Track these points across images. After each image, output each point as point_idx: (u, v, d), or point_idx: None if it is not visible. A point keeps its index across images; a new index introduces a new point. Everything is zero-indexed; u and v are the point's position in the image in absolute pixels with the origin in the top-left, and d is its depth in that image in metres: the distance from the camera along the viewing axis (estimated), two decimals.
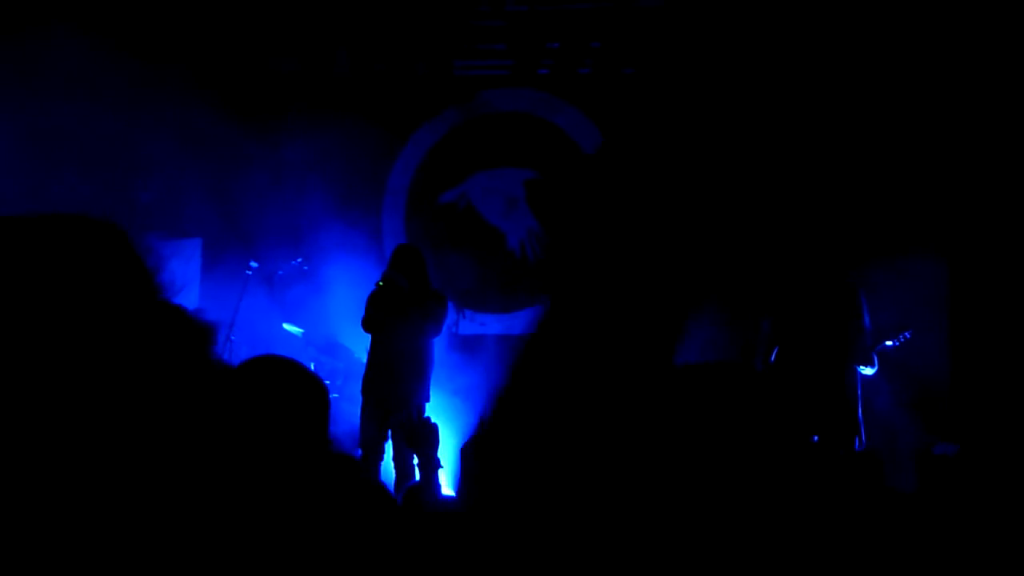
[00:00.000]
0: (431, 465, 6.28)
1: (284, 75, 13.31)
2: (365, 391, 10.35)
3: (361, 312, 10.47)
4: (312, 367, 11.71)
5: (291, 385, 3.68)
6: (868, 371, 9.83)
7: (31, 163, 12.24)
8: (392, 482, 9.88)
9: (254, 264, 11.84)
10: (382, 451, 10.21)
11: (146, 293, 1.27)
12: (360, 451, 10.13)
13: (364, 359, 10.65)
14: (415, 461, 6.21)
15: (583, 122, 13.11)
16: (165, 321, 1.26)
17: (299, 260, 12.35)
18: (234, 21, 13.19)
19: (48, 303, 1.20)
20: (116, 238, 1.28)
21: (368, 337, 10.51)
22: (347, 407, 11.07)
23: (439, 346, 10.80)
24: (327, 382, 11.31)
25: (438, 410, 10.54)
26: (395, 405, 9.96)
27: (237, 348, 11.41)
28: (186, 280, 11.71)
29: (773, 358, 9.86)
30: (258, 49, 13.27)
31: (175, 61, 12.59)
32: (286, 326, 12.12)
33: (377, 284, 10.41)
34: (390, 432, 10.13)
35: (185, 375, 1.25)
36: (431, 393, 10.35)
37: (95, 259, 1.26)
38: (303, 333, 12.13)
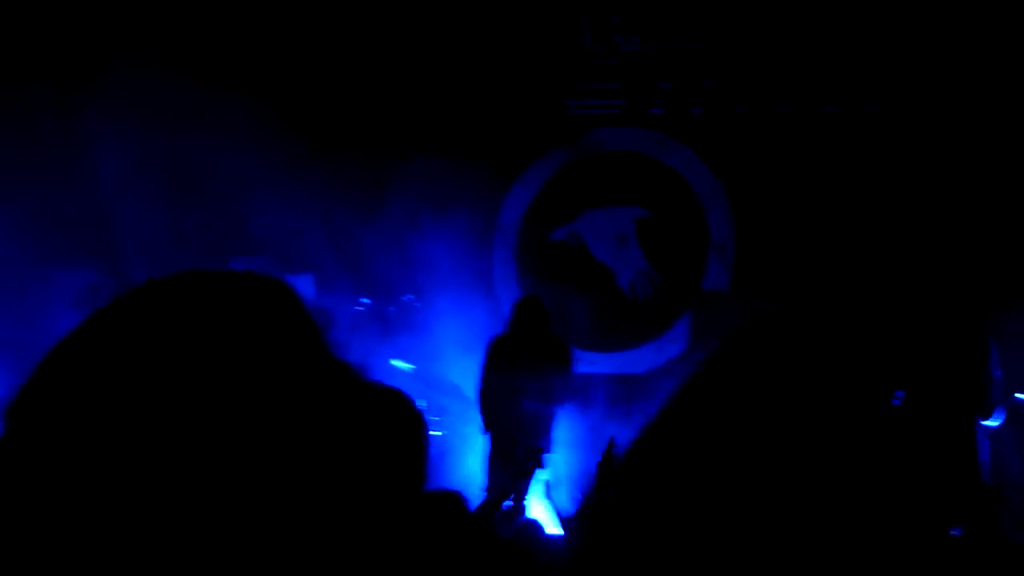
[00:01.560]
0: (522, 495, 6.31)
1: (397, 113, 13.42)
2: (493, 440, 10.34)
3: (467, 351, 10.50)
4: (423, 404, 11.81)
5: (391, 416, 3.67)
6: (992, 423, 9.47)
7: (150, 198, 12.47)
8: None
9: (365, 300, 11.92)
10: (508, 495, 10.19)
11: (316, 349, 1.32)
12: (486, 494, 10.11)
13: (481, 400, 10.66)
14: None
15: (695, 162, 13.06)
16: (335, 375, 1.31)
17: (410, 297, 12.43)
18: (348, 62, 13.35)
19: (230, 358, 1.25)
20: (287, 296, 1.33)
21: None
22: (456, 443, 11.11)
23: None
24: (436, 418, 11.39)
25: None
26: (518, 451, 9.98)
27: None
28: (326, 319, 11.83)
29: (897, 402, 9.66)
30: (372, 88, 13.40)
31: (290, 99, 12.78)
32: (395, 363, 12.19)
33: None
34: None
35: (353, 424, 1.30)
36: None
37: (270, 316, 1.31)
38: (413, 370, 12.19)
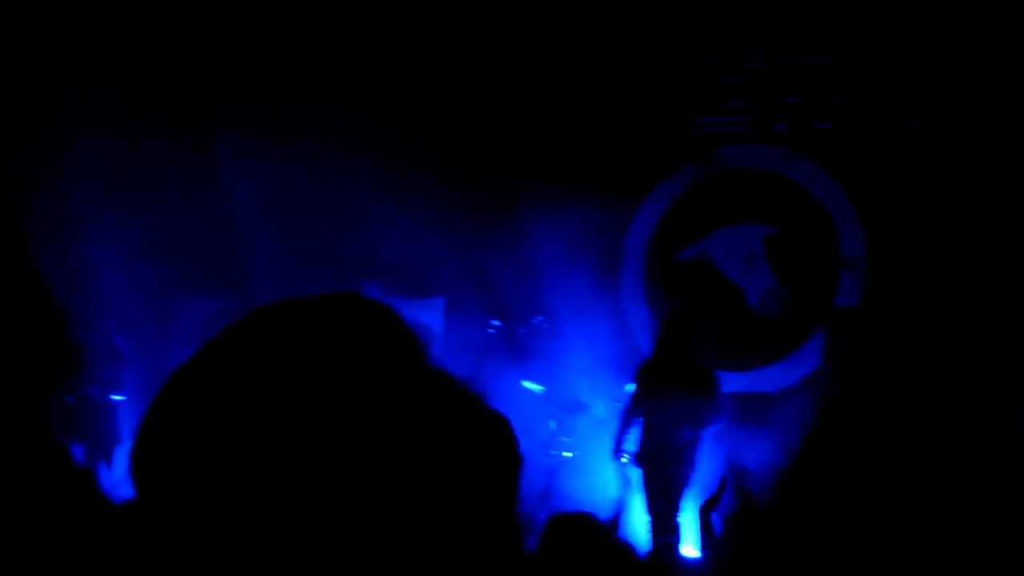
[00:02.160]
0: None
1: (525, 136, 13.44)
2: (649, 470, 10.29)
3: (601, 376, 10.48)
4: (552, 425, 11.82)
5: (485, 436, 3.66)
6: None
7: (278, 224, 12.68)
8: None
9: (495, 323, 11.97)
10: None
11: (419, 366, 1.35)
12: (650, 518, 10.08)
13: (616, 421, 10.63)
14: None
15: (822, 177, 12.93)
16: (439, 388, 1.34)
17: (539, 318, 12.45)
18: (479, 86, 13.44)
19: (338, 377, 1.28)
20: (389, 316, 1.37)
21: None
22: (586, 465, 11.09)
23: None
24: (567, 439, 11.38)
25: None
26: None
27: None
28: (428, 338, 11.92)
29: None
30: (502, 112, 13.45)
31: (419, 124, 12.91)
32: (526, 384, 12.21)
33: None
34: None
35: (444, 443, 1.32)
36: None
37: (374, 336, 1.34)
38: (543, 391, 12.20)
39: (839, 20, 12.76)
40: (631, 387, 10.51)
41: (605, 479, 10.86)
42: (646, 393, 10.26)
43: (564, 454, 11.71)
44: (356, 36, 13.19)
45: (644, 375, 10.42)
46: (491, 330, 11.94)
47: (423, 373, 1.34)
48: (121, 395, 12.52)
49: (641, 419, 10.35)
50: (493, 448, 1.35)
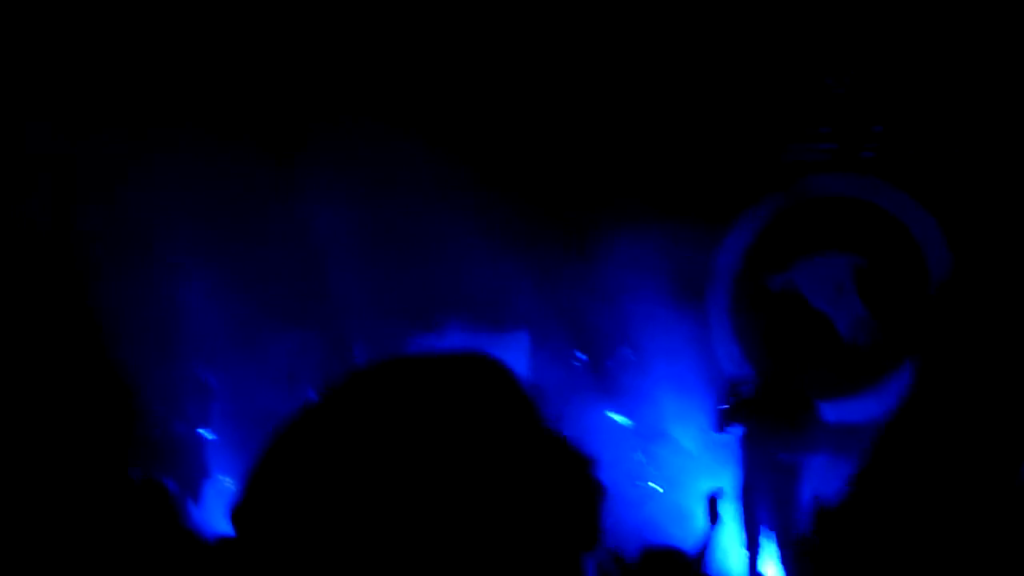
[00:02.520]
0: None
1: (608, 165, 13.39)
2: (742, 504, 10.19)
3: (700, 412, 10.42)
4: (640, 457, 11.76)
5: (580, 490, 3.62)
6: None
7: (363, 256, 12.75)
8: None
9: (581, 356, 11.95)
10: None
11: (533, 424, 1.36)
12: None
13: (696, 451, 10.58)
14: None
15: (911, 205, 12.79)
16: (551, 448, 1.34)
17: (626, 350, 12.40)
18: (557, 117, 13.44)
19: (459, 432, 1.29)
20: (505, 375, 1.38)
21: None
22: (675, 497, 11.02)
23: None
24: (655, 471, 11.32)
25: None
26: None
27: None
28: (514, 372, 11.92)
29: None
30: (582, 141, 13.43)
31: (500, 157, 12.95)
32: (612, 416, 12.16)
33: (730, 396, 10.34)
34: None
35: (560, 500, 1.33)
36: None
37: (492, 394, 1.35)
38: (630, 423, 12.14)
39: (922, 46, 12.63)
40: (723, 418, 10.43)
41: (694, 511, 10.77)
42: (743, 424, 10.17)
43: (652, 486, 11.63)
44: (439, 74, 13.25)
45: (741, 406, 10.31)
46: (577, 363, 11.90)
47: (535, 432, 1.34)
48: (209, 429, 12.64)
49: (739, 450, 10.24)
50: (576, 493, 1.34)
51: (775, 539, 9.94)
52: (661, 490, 11.73)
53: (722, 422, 10.35)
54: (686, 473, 11.17)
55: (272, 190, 12.63)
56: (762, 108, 13.23)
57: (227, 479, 11.77)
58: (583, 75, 13.30)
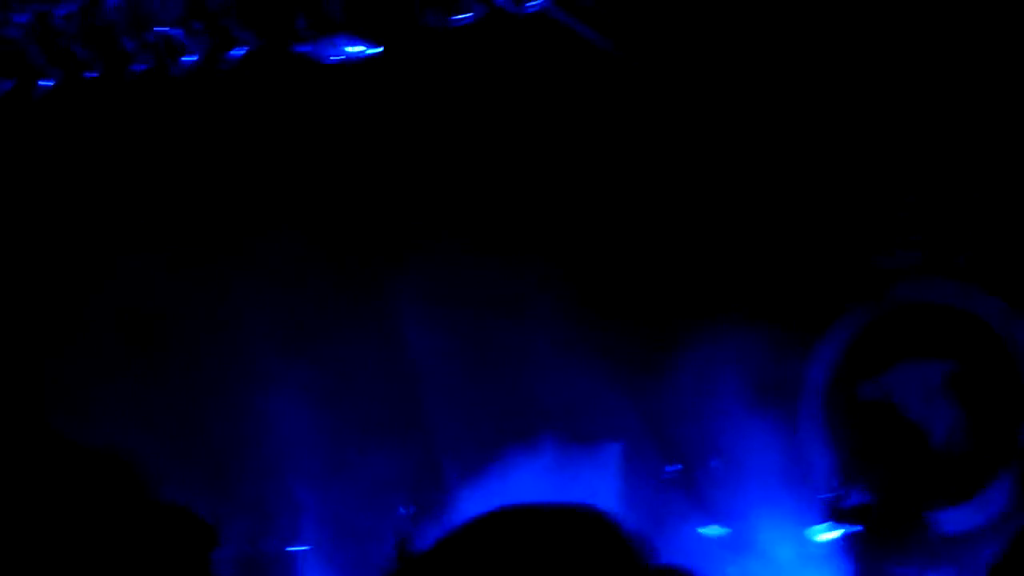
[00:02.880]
0: None
1: (692, 273, 13.33)
2: None
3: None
4: (734, 573, 11.57)
5: None
6: None
7: (454, 371, 12.80)
8: None
9: (672, 468, 11.84)
10: None
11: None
12: None
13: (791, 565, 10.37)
14: None
15: (1006, 311, 12.64)
16: None
17: (716, 461, 12.27)
18: (635, 229, 13.46)
19: None
20: (612, 529, 1.40)
21: None
22: None
23: None
24: None
25: None
26: None
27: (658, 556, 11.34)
28: (604, 487, 11.86)
29: None
30: (661, 251, 13.40)
31: (589, 274, 12.99)
32: (706, 530, 12.02)
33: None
34: None
35: None
36: None
37: (601, 547, 1.37)
38: (724, 536, 11.98)
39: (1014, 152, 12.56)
40: (818, 531, 10.21)
41: None
42: (852, 535, 9.90)
43: None
44: (522, 191, 13.35)
45: (849, 516, 10.06)
46: (668, 475, 11.79)
47: None
48: (301, 545, 12.64)
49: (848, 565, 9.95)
50: None
51: None
52: None
53: (830, 533, 10.07)
54: None
55: (364, 303, 12.74)
56: (852, 214, 13.17)
57: None
58: (671, 183, 13.33)
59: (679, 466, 12.10)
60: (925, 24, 12.58)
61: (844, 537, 10.04)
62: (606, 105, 13.22)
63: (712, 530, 12.00)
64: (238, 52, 12.46)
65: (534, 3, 12.06)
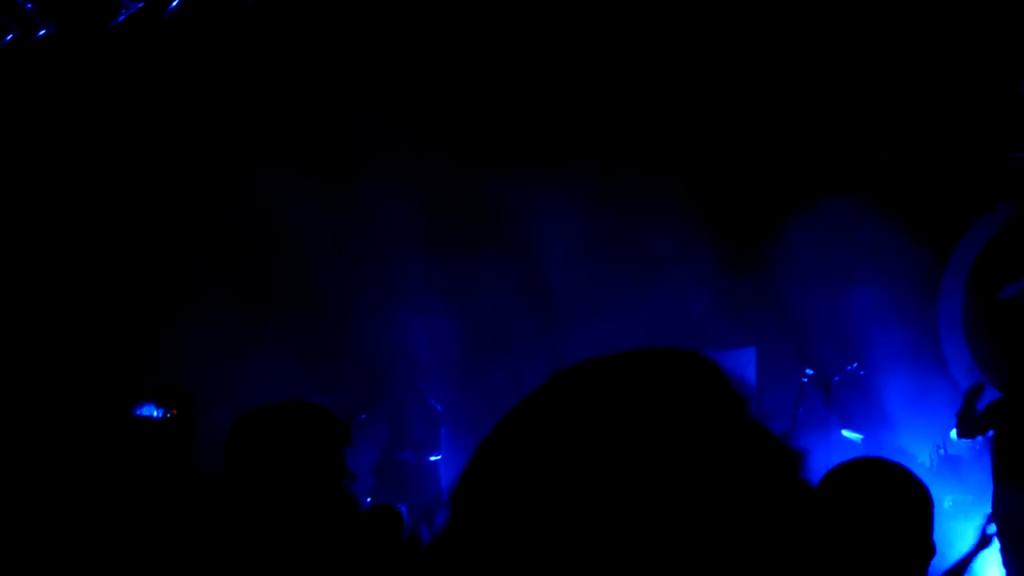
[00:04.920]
0: None
1: (824, 173, 13.17)
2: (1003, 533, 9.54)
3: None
4: None
5: (889, 492, 3.55)
6: None
7: (586, 277, 12.82)
8: None
9: (809, 371, 11.77)
10: None
11: (741, 418, 1.34)
12: None
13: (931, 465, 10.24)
14: None
15: None
16: (758, 442, 1.33)
17: (854, 365, 12.17)
18: (763, 140, 13.31)
19: (665, 431, 1.28)
20: (714, 370, 1.37)
21: None
22: None
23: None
24: None
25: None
26: None
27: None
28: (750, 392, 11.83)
29: None
30: (821, 147, 13.25)
31: (708, 177, 12.90)
32: (845, 433, 11.94)
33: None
34: None
35: (772, 497, 1.31)
36: None
37: (700, 390, 1.35)
38: (862, 439, 11.90)
39: None
40: (971, 428, 9.92)
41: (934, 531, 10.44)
42: (998, 442, 9.50)
43: None
44: (664, 103, 13.26)
45: (995, 420, 9.66)
46: (805, 379, 11.70)
47: (746, 428, 1.32)
48: (438, 455, 12.83)
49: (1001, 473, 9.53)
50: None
51: None
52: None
53: (970, 432, 9.76)
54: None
55: (496, 213, 12.79)
56: (990, 115, 12.87)
57: None
58: (794, 87, 13.14)
59: (815, 370, 11.99)
60: None
61: (980, 440, 9.79)
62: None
63: (851, 433, 11.92)
64: None
65: None
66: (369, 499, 11.95)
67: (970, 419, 9.71)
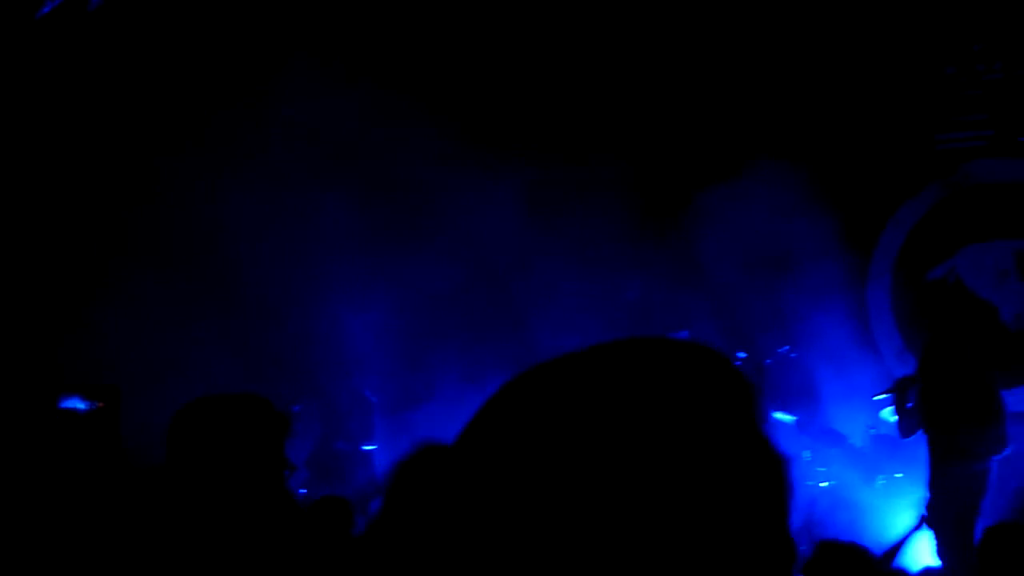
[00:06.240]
0: None
1: (765, 158, 13.21)
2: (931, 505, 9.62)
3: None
4: (807, 456, 11.59)
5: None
6: None
7: (530, 269, 12.82)
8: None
9: (741, 354, 11.85)
10: None
11: (750, 413, 1.35)
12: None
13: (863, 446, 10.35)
14: None
15: None
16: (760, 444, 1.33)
17: (786, 348, 12.27)
18: (699, 116, 13.37)
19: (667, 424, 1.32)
20: (722, 360, 1.38)
21: None
22: (845, 495, 10.84)
23: None
24: (822, 469, 11.10)
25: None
26: None
27: None
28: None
29: None
30: (732, 142, 13.32)
31: (643, 166, 12.97)
32: (777, 415, 12.02)
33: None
34: None
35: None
36: None
37: (710, 379, 1.33)
38: (795, 421, 12.00)
39: None
40: (889, 413, 10.07)
41: (867, 510, 10.58)
42: (921, 420, 9.59)
43: (821, 484, 11.46)
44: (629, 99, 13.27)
45: (914, 398, 9.74)
46: (737, 362, 11.76)
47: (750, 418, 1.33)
48: (372, 444, 12.79)
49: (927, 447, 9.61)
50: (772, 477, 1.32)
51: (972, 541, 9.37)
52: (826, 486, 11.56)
53: (910, 430, 9.77)
54: (853, 469, 10.97)
55: (430, 202, 12.75)
56: (917, 97, 12.99)
57: None
58: (742, 73, 13.21)
59: (745, 353, 12.08)
60: None
61: (910, 419, 9.84)
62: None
63: (783, 415, 12.01)
64: None
65: None
66: (303, 491, 11.89)
67: (905, 415, 9.78)
